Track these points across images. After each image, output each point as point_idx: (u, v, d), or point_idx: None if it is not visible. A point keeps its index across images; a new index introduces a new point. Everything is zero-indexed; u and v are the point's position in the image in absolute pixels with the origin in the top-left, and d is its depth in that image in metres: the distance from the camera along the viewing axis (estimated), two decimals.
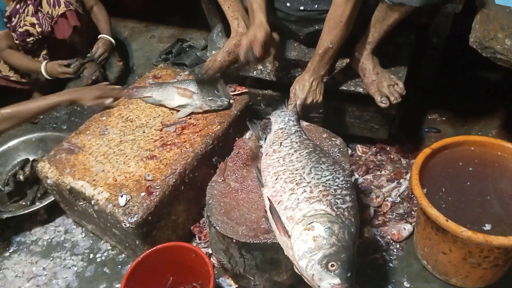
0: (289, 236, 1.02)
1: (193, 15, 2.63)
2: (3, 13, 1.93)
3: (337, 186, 1.09)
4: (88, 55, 2.08)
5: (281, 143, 1.27)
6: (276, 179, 1.15)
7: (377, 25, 1.46)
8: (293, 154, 1.21)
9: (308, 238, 0.98)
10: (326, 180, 1.10)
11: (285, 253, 1.06)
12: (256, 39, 1.41)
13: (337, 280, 0.93)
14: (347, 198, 1.07)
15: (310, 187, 1.08)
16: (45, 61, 1.99)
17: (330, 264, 0.94)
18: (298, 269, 1.00)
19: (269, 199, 1.11)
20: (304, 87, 1.46)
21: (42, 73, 1.99)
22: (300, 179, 1.11)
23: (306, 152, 1.20)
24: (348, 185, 1.11)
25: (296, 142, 1.25)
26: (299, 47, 1.69)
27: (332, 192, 1.07)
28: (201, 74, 1.75)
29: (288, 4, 1.55)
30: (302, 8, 1.53)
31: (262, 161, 1.26)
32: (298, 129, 1.34)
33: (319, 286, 0.95)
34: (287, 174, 1.14)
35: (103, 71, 2.14)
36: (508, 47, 1.31)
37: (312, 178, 1.11)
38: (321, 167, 1.14)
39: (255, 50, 1.40)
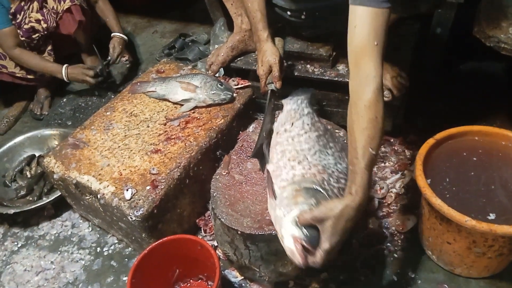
0: (275, 198, 1.08)
1: (195, 10, 2.64)
2: (8, 11, 1.94)
3: (336, 170, 1.14)
4: (109, 58, 2.13)
5: (293, 123, 1.30)
6: (281, 157, 1.19)
7: None
8: (302, 135, 1.24)
9: (291, 195, 1.05)
10: (328, 163, 1.15)
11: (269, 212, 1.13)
12: (273, 74, 1.44)
13: (298, 233, 0.96)
14: (342, 181, 1.11)
15: (309, 166, 1.13)
16: (66, 66, 2.02)
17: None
18: (273, 219, 1.08)
19: (268, 172, 1.17)
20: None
21: (63, 77, 2.02)
22: (303, 158, 1.16)
23: (316, 135, 1.23)
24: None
25: (308, 124, 1.28)
26: (301, 40, 1.69)
27: (329, 172, 1.12)
28: (205, 69, 1.76)
29: (288, 13, 1.56)
30: (303, 17, 1.54)
31: (272, 140, 1.29)
32: (310, 111, 1.35)
33: (283, 236, 1.00)
34: (292, 152, 1.18)
35: (106, 67, 2.15)
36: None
37: (315, 159, 1.15)
38: (327, 152, 1.18)
39: (276, 84, 1.45)
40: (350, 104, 1.04)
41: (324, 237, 0.95)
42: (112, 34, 2.15)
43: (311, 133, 1.24)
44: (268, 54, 1.45)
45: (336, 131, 1.42)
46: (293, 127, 1.28)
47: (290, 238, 0.96)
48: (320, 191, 1.04)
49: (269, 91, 1.48)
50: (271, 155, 1.23)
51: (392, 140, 1.77)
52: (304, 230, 0.96)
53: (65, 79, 2.03)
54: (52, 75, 2.06)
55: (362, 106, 1.00)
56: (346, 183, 1.03)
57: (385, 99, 1.47)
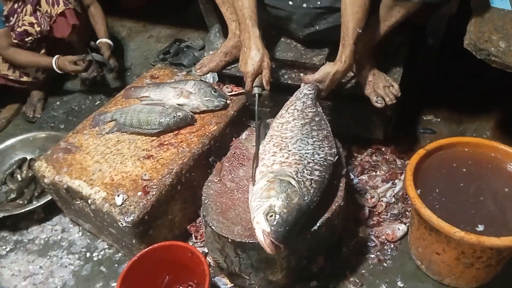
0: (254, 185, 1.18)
1: (190, 15, 2.64)
2: (1, 13, 1.94)
3: (312, 160, 1.19)
4: (99, 59, 2.10)
5: (287, 108, 1.36)
6: (269, 141, 1.28)
7: (376, 25, 1.47)
8: (290, 123, 1.31)
9: (265, 187, 1.12)
10: (306, 152, 1.21)
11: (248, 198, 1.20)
12: (264, 77, 1.43)
13: (268, 229, 1.06)
14: (316, 172, 1.17)
15: (288, 155, 1.20)
16: (56, 57, 2.02)
17: (270, 214, 1.07)
18: (249, 205, 1.16)
19: (255, 155, 1.26)
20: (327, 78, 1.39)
21: (54, 68, 2.02)
22: (284, 146, 1.23)
23: (301, 123, 1.29)
24: (325, 163, 1.21)
25: (298, 110, 1.34)
26: (295, 48, 1.70)
27: (305, 163, 1.18)
28: (195, 69, 1.76)
29: (290, 3, 1.55)
30: (305, 5, 1.54)
31: (273, 122, 1.36)
32: (308, 92, 1.39)
33: (255, 227, 1.09)
34: (278, 139, 1.26)
35: (101, 71, 2.15)
36: (502, 49, 1.33)
37: (294, 148, 1.22)
38: (307, 141, 1.24)
39: (266, 87, 1.44)
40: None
41: (323, 88, 1.40)
42: (98, 41, 2.13)
43: (297, 121, 1.30)
44: (260, 55, 1.41)
45: None
46: (286, 113, 1.34)
47: (261, 231, 1.07)
48: (292, 185, 1.12)
49: (256, 95, 1.45)
50: (266, 137, 1.31)
51: (383, 149, 1.78)
52: (274, 226, 1.06)
53: (55, 68, 2.02)
54: (46, 67, 2.07)
55: None
56: (320, 174, 1.18)
57: (378, 105, 1.49)
